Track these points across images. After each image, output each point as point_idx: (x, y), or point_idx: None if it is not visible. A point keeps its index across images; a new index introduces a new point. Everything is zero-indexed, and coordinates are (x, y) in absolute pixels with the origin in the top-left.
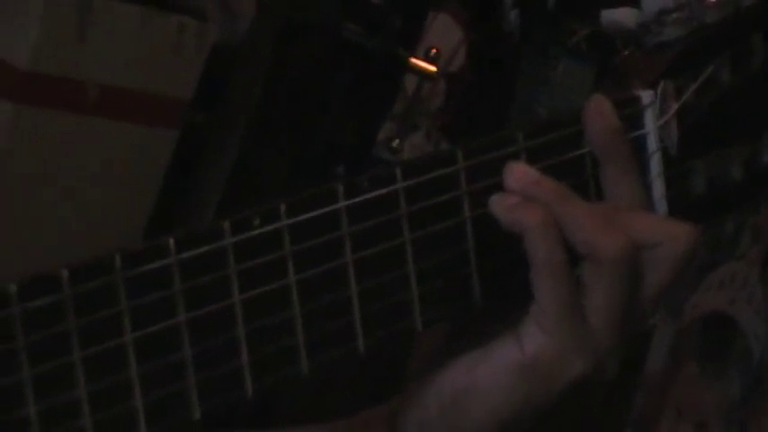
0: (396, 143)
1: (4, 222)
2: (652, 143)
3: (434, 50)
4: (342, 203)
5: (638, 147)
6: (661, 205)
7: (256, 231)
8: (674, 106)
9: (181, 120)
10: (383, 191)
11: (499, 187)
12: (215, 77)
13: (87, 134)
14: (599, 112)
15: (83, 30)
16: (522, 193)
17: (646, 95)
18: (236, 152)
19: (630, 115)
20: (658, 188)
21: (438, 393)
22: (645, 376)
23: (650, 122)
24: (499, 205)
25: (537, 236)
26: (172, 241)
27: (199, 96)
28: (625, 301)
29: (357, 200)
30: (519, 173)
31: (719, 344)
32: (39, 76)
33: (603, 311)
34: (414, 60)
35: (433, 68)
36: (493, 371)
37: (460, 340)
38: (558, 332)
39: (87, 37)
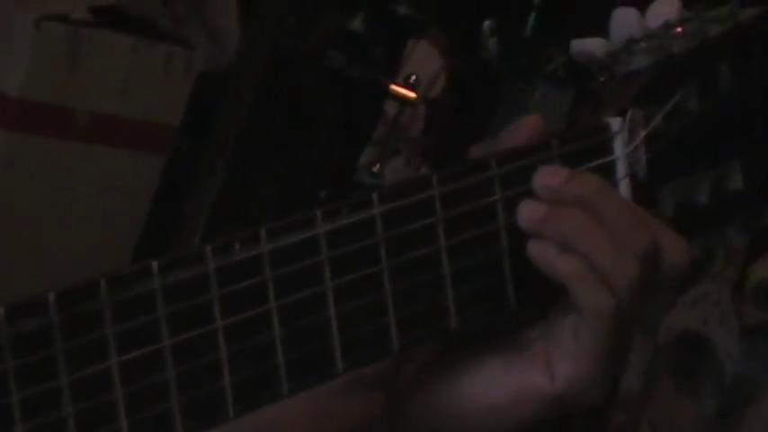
0: (377, 168)
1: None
2: (621, 169)
3: (414, 77)
4: (320, 229)
5: (608, 172)
6: None
7: (237, 257)
8: (643, 133)
9: (168, 146)
10: (360, 216)
11: (472, 213)
12: (202, 105)
13: (77, 160)
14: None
15: (73, 59)
16: (553, 196)
17: (614, 123)
18: (223, 177)
19: (600, 142)
20: None
21: (454, 404)
22: (621, 395)
23: (619, 149)
24: (534, 246)
25: (580, 286)
26: (155, 265)
27: (186, 123)
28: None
29: (335, 225)
30: (546, 175)
31: (693, 362)
32: (30, 104)
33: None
34: (394, 87)
35: (412, 95)
36: (520, 398)
37: (466, 347)
38: (594, 368)
39: (77, 66)
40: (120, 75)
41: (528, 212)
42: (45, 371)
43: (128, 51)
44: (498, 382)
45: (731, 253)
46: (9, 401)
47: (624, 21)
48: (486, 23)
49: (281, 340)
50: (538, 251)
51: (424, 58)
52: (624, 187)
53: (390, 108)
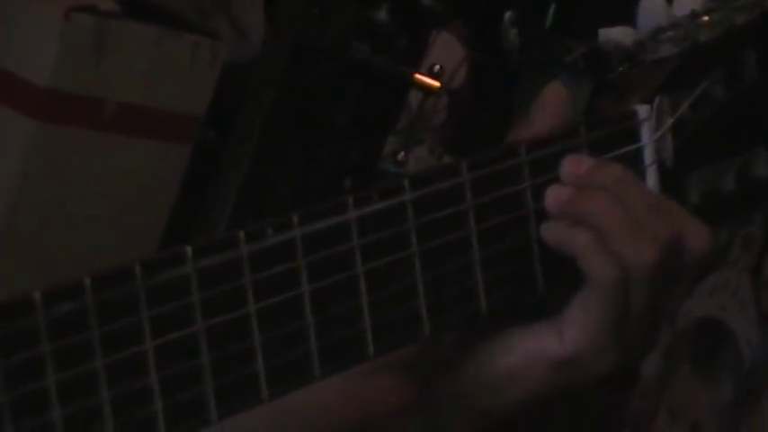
0: (401, 156)
1: (28, 235)
2: (648, 156)
3: (438, 67)
4: (352, 214)
5: (636, 159)
6: None
7: (270, 241)
8: (670, 120)
9: (194, 136)
10: (391, 202)
11: (501, 199)
12: (227, 95)
13: (104, 149)
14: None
15: (101, 50)
16: (579, 183)
17: (642, 110)
18: (247, 167)
19: (628, 129)
20: None
21: (481, 378)
22: (641, 380)
23: (647, 136)
24: (547, 225)
25: (588, 256)
26: (189, 250)
27: (211, 113)
28: (663, 294)
29: (366, 211)
30: (572, 162)
31: (711, 349)
32: (58, 94)
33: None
34: (418, 76)
35: (436, 84)
36: (531, 360)
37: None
38: (601, 337)
39: (105, 56)
40: (147, 65)
41: (554, 195)
42: (81, 355)
43: (154, 42)
44: (515, 346)
45: (749, 240)
46: (46, 385)
47: (651, 9)
48: (507, 15)
49: (313, 325)
50: (551, 229)
51: (446, 48)
52: (651, 174)
53: (413, 98)
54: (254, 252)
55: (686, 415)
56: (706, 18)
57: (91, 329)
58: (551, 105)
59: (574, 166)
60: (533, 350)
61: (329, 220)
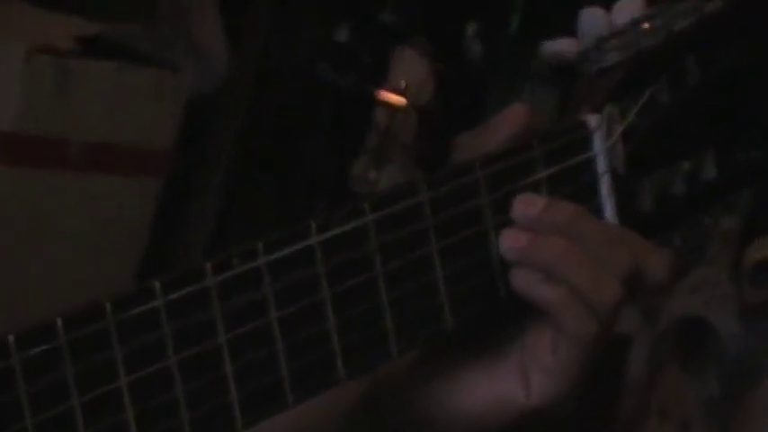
0: (372, 175)
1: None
2: (601, 165)
3: (403, 83)
4: (315, 239)
5: (589, 169)
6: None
7: (237, 271)
8: (620, 128)
9: (164, 169)
10: (353, 225)
11: (460, 216)
12: (195, 125)
13: (73, 189)
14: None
15: (63, 89)
16: (533, 225)
17: (592, 119)
18: (220, 196)
19: (579, 139)
20: (609, 208)
21: (433, 414)
22: (628, 382)
23: (598, 145)
24: (517, 275)
25: (562, 312)
26: (158, 284)
27: (180, 144)
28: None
29: (329, 235)
30: (524, 204)
31: (696, 346)
32: (23, 137)
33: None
34: (384, 93)
35: (402, 101)
36: (495, 408)
37: (444, 358)
38: (570, 383)
39: (68, 96)
40: (111, 102)
41: (509, 243)
42: (57, 394)
43: (116, 78)
44: (476, 392)
45: (726, 236)
46: (24, 426)
47: (592, 20)
48: (471, 27)
49: (283, 352)
50: (521, 281)
51: (411, 65)
52: (605, 182)
53: (381, 116)
54: (221, 283)
55: (675, 414)
56: (647, 25)
57: (65, 369)
58: (508, 124)
59: (526, 207)
60: (498, 399)
61: (293, 246)
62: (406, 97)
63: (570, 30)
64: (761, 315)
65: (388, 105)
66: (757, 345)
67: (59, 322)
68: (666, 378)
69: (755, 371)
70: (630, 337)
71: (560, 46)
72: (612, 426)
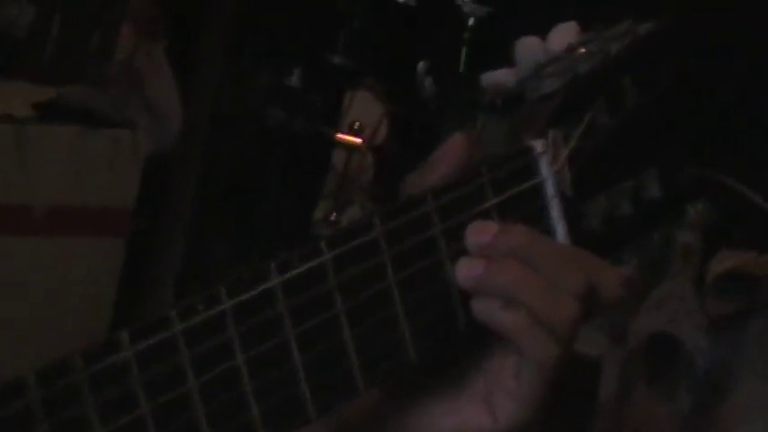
0: (333, 217)
1: None
2: (549, 188)
3: (358, 124)
4: (276, 280)
5: (537, 193)
6: None
7: (202, 316)
8: (565, 152)
9: (127, 228)
10: (312, 263)
11: (415, 247)
12: (154, 183)
13: (38, 253)
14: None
15: (22, 155)
16: (487, 251)
17: (538, 144)
18: (183, 249)
19: (526, 164)
20: (561, 231)
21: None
22: (599, 404)
23: (545, 169)
24: (476, 304)
25: (522, 337)
26: (126, 335)
27: (141, 203)
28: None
29: (289, 275)
30: (477, 231)
31: (665, 363)
32: None
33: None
34: (339, 135)
35: (358, 140)
36: None
37: (408, 390)
38: (535, 406)
39: (27, 161)
40: (70, 164)
41: (465, 272)
42: None
43: (74, 141)
44: (441, 421)
45: (686, 251)
46: None
47: (528, 48)
48: (421, 65)
49: (252, 393)
50: (479, 309)
51: (365, 106)
52: (554, 206)
53: (338, 159)
54: (188, 329)
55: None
56: (582, 50)
57: (39, 424)
58: (450, 156)
59: (478, 235)
60: (465, 427)
61: (255, 288)
62: (361, 137)
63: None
64: (726, 327)
65: (344, 147)
66: (724, 357)
67: (31, 379)
68: (637, 397)
69: (724, 383)
70: (599, 359)
71: (499, 76)
72: None
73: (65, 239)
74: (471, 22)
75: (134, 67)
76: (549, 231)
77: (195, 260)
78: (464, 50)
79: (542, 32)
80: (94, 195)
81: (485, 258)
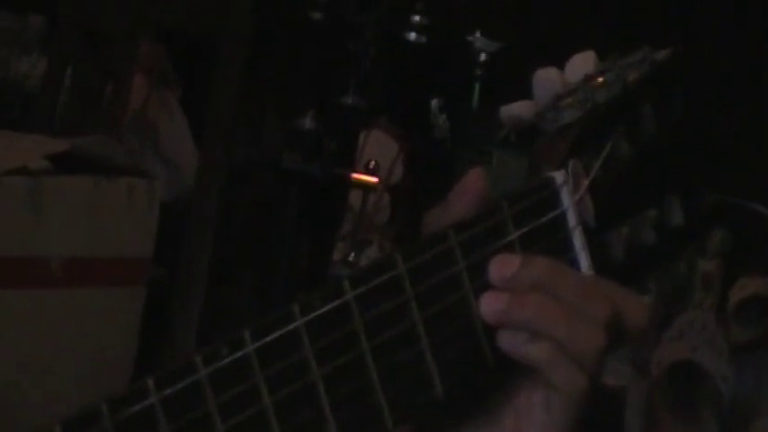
0: (351, 257)
1: None
2: (572, 219)
3: (373, 162)
4: (299, 322)
5: (560, 224)
6: None
7: (226, 361)
8: (586, 182)
9: (145, 277)
10: (335, 304)
11: (439, 284)
12: (170, 230)
13: (58, 306)
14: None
15: (38, 208)
16: (510, 284)
17: (558, 176)
18: (203, 298)
19: (547, 196)
20: (584, 261)
21: None
22: None
23: (566, 200)
24: (502, 337)
25: (551, 369)
26: (151, 382)
27: (158, 250)
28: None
29: (312, 316)
30: (500, 264)
31: (689, 391)
32: (2, 260)
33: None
34: (355, 176)
35: (374, 180)
36: None
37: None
38: None
39: (43, 214)
40: (86, 216)
41: (489, 306)
42: None
43: (90, 192)
44: None
45: (707, 279)
46: None
47: (546, 80)
48: (434, 102)
49: None
50: (506, 342)
51: (380, 146)
52: (577, 236)
53: (355, 199)
54: (212, 374)
55: None
56: (600, 80)
57: None
58: (469, 191)
59: (501, 268)
60: None
61: (279, 331)
62: (377, 176)
63: (529, 93)
64: (749, 353)
65: (360, 187)
66: (748, 384)
67: (58, 430)
68: (663, 427)
69: (749, 410)
70: (624, 390)
71: (518, 109)
72: None
73: (83, 291)
74: (483, 57)
75: (147, 117)
76: (572, 262)
77: (215, 307)
78: (476, 86)
79: (554, 65)
80: (112, 245)
81: (509, 291)
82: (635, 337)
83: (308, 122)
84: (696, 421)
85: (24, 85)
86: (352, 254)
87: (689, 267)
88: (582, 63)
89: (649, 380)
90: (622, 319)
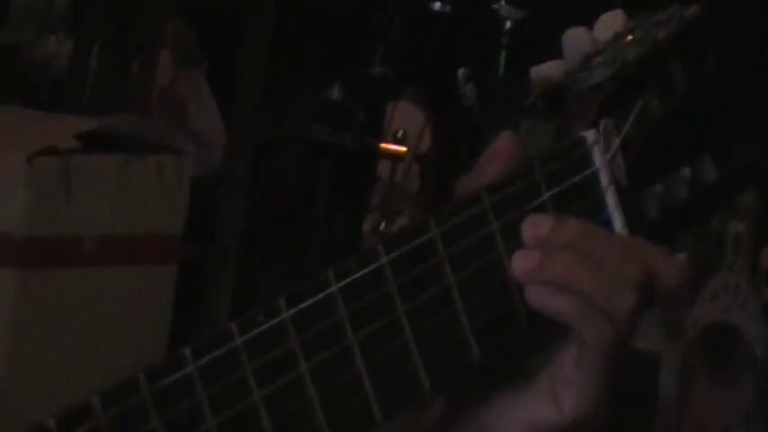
0: (383, 226)
1: (29, 380)
2: (604, 178)
3: (401, 131)
4: (335, 287)
5: (593, 184)
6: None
7: (262, 328)
8: (617, 141)
9: (177, 254)
10: (370, 268)
11: (473, 246)
12: (202, 208)
13: (91, 285)
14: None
15: (69, 187)
16: (543, 245)
17: (589, 135)
18: (235, 273)
19: (579, 156)
20: (618, 220)
21: None
22: (660, 401)
23: (598, 159)
24: (530, 291)
25: (580, 322)
26: (188, 351)
27: (189, 227)
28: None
29: (348, 281)
30: (532, 225)
31: (725, 353)
32: (35, 241)
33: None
34: (384, 145)
35: (403, 149)
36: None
37: (473, 392)
38: (597, 398)
39: (74, 193)
40: (117, 194)
41: (520, 263)
42: None
43: (120, 170)
44: (509, 419)
45: (738, 242)
46: None
47: (575, 39)
48: (461, 72)
49: (317, 400)
50: (535, 296)
51: (407, 117)
52: (610, 196)
53: (384, 170)
54: (248, 342)
55: (713, 424)
56: (630, 38)
57: None
58: (500, 152)
59: (534, 228)
60: (532, 422)
61: (314, 297)
62: (405, 145)
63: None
64: None
65: (389, 156)
66: None
67: (96, 401)
68: (698, 390)
69: None
70: (659, 354)
71: (547, 69)
72: None
73: (116, 269)
74: (508, 25)
75: (175, 94)
76: (605, 222)
77: (248, 281)
78: (502, 54)
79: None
80: (143, 223)
81: (541, 250)
82: (667, 299)
83: (335, 93)
84: (733, 383)
85: (51, 66)
86: (383, 223)
87: (720, 228)
88: (611, 21)
89: (684, 341)
90: (655, 280)
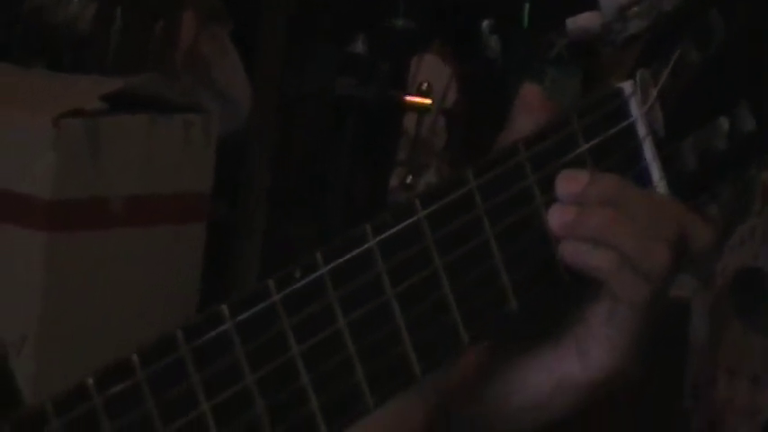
0: (410, 179)
1: (61, 343)
2: (641, 129)
3: (426, 84)
4: (372, 242)
5: (630, 135)
6: (660, 187)
7: (300, 283)
8: (654, 91)
9: (205, 213)
10: (407, 222)
11: (511, 199)
12: (227, 165)
13: (119, 245)
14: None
15: (96, 149)
16: (579, 199)
17: (626, 86)
18: (263, 230)
19: (616, 107)
20: (655, 171)
21: (501, 404)
22: (691, 347)
23: (635, 110)
24: (565, 247)
25: (614, 279)
26: (226, 307)
27: (217, 186)
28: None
29: (385, 235)
30: (567, 180)
31: (754, 298)
32: (63, 203)
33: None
34: (409, 98)
35: (428, 101)
36: (558, 389)
37: (504, 349)
38: (629, 355)
39: (101, 154)
40: (144, 154)
41: (557, 218)
42: (141, 429)
43: (146, 130)
44: (539, 374)
45: (766, 188)
46: None
47: None
48: (485, 24)
49: (356, 355)
50: (570, 251)
51: (433, 70)
52: (648, 146)
53: (410, 123)
54: (286, 297)
55: (744, 369)
56: None
57: (147, 403)
58: (529, 105)
59: (569, 184)
60: (560, 378)
61: (352, 252)
62: (430, 97)
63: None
64: None
65: (415, 109)
66: None
67: (136, 358)
68: (730, 335)
69: None
70: (688, 301)
71: (584, 20)
72: (680, 391)
73: (145, 229)
74: None
75: (200, 52)
76: (643, 172)
77: (277, 239)
78: (526, 6)
79: None
80: (171, 182)
81: (576, 205)
82: (700, 257)
83: (359, 46)
84: (763, 327)
85: (75, 28)
86: (410, 177)
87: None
88: None
89: (714, 289)
90: (689, 241)
